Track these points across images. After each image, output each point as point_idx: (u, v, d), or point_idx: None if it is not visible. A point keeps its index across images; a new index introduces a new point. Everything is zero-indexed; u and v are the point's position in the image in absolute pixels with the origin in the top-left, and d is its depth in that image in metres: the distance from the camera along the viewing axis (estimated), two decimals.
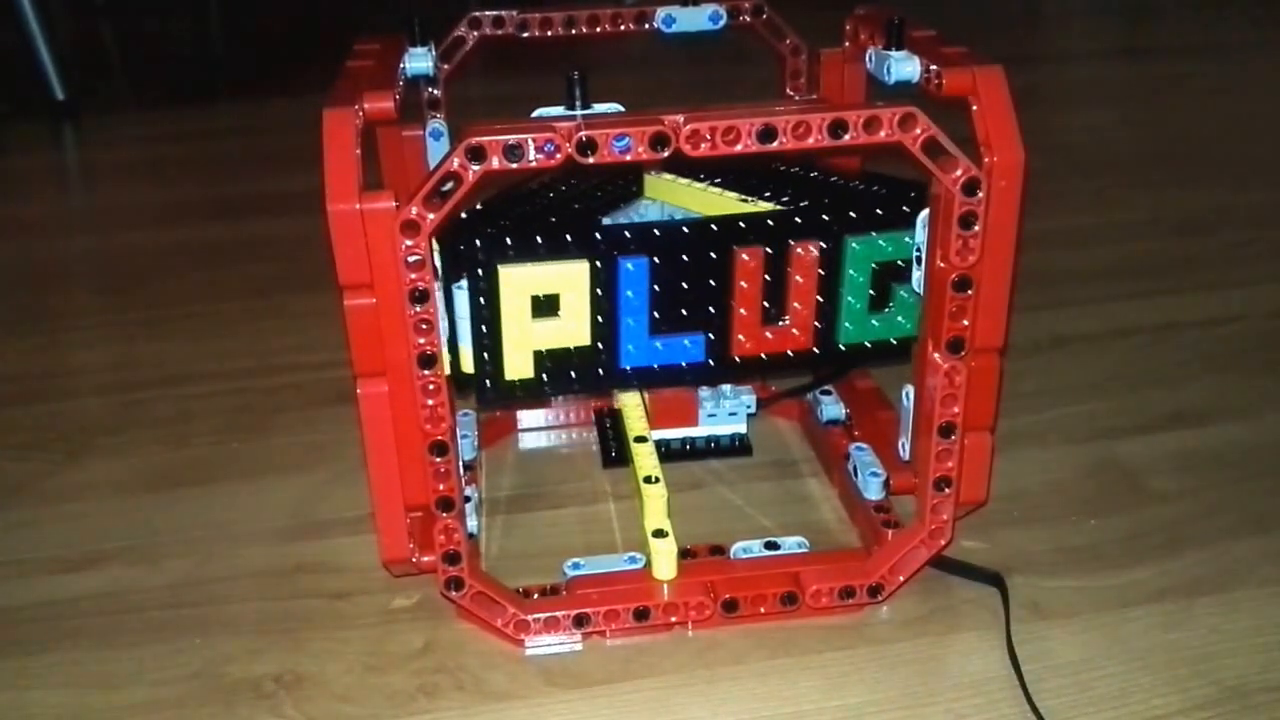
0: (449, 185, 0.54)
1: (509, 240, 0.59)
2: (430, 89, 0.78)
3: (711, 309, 0.63)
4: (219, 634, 0.66)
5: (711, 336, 0.64)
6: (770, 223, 0.63)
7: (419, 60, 0.70)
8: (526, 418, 0.84)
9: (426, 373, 0.57)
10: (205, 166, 1.49)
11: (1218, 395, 0.87)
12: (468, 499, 0.67)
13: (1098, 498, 0.76)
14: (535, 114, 0.58)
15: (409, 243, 0.54)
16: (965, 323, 0.60)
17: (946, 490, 0.64)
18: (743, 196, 0.68)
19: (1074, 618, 0.66)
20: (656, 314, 0.63)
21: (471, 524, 0.68)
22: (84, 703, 0.62)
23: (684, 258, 0.62)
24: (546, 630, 0.64)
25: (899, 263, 0.64)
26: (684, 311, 0.63)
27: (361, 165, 0.55)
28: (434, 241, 0.56)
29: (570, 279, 0.61)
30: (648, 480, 0.68)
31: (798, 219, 0.63)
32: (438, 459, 0.59)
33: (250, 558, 0.72)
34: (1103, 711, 0.59)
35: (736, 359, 0.65)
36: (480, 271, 0.59)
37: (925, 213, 0.60)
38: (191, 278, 1.14)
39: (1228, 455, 0.80)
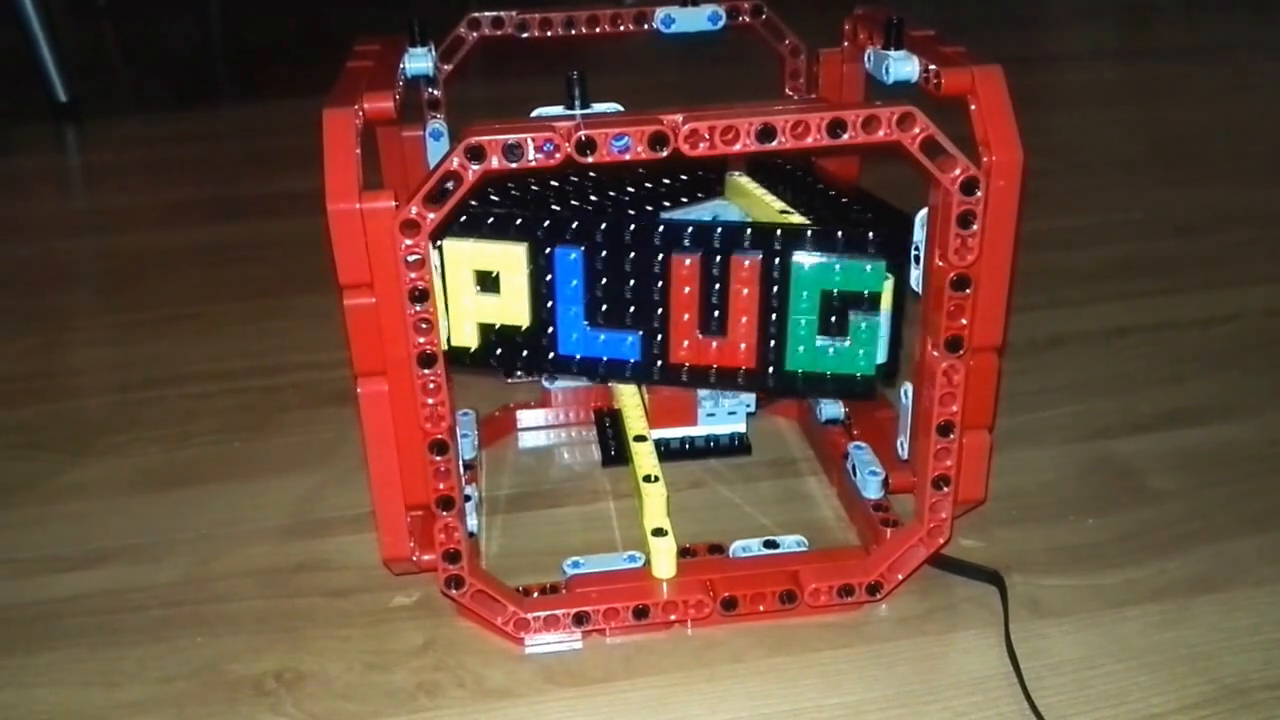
0: (449, 185, 0.54)
1: (462, 217, 0.62)
2: (430, 89, 0.78)
3: (649, 310, 0.64)
4: (220, 632, 0.66)
5: (649, 337, 0.65)
6: (717, 231, 0.62)
7: (419, 60, 0.70)
8: (526, 417, 0.85)
9: (426, 372, 0.57)
10: (206, 167, 1.49)
11: (1216, 394, 0.88)
12: (468, 498, 0.67)
13: (1096, 496, 0.76)
14: (535, 114, 0.58)
15: (409, 242, 0.54)
16: (964, 321, 0.60)
17: (945, 489, 0.64)
18: (787, 209, 0.68)
19: (1072, 616, 0.66)
20: (597, 306, 0.64)
21: (471, 523, 0.68)
22: (85, 700, 0.62)
23: (621, 255, 0.63)
24: (546, 628, 0.64)
25: (865, 294, 0.61)
26: (622, 308, 0.64)
27: (361, 165, 0.55)
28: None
29: (509, 260, 0.63)
30: (647, 479, 0.68)
31: (744, 231, 0.62)
32: (438, 458, 0.59)
33: (251, 556, 0.73)
34: (1101, 710, 0.60)
35: (674, 365, 0.65)
36: (435, 242, 0.60)
37: (924, 212, 0.61)
38: (192, 278, 1.14)
39: (1226, 454, 0.80)
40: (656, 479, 0.68)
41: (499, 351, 0.66)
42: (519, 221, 0.63)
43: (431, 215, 0.54)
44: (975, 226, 0.58)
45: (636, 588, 0.65)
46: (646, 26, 0.78)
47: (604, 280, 0.64)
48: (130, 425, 0.88)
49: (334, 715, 0.61)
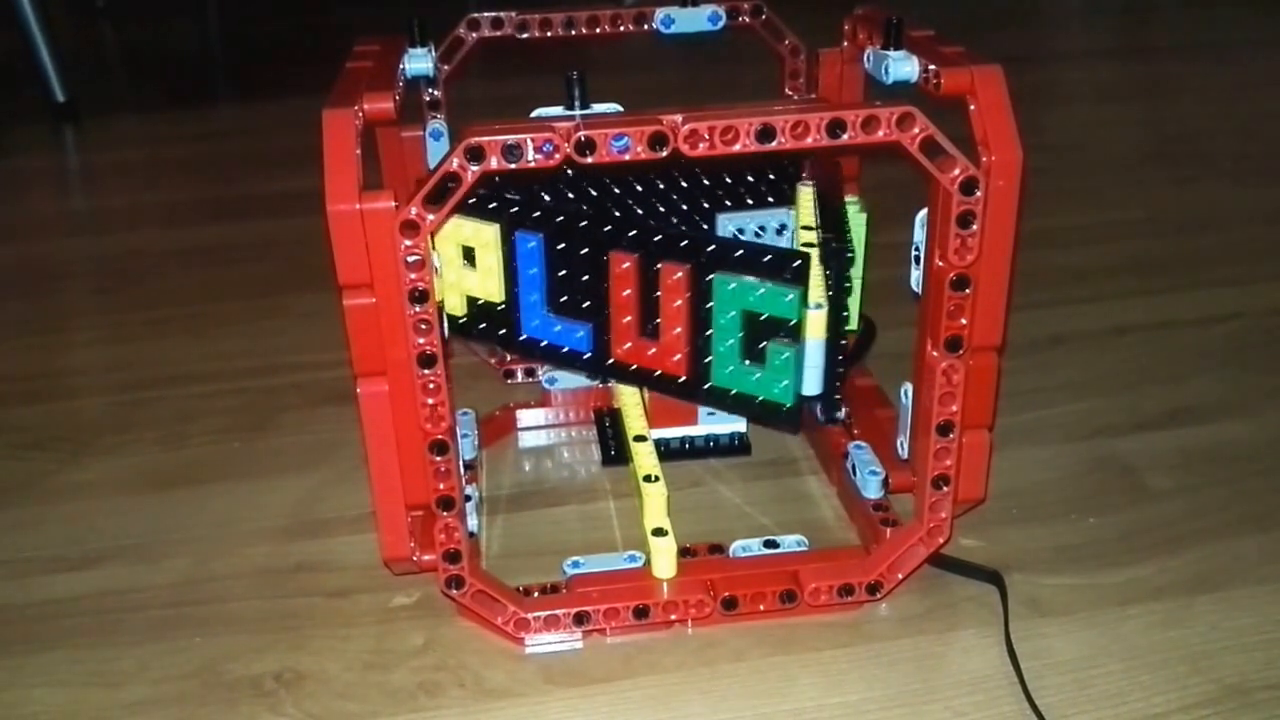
0: (449, 185, 0.54)
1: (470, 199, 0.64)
2: (430, 89, 0.78)
3: (597, 305, 0.65)
4: (220, 632, 0.66)
5: (598, 332, 0.65)
6: (655, 237, 0.63)
7: (419, 61, 0.70)
8: (526, 417, 0.85)
9: (427, 372, 0.57)
10: (205, 167, 1.49)
11: (1216, 393, 0.88)
12: (468, 498, 0.67)
13: (1096, 495, 0.76)
14: (534, 114, 0.58)
15: (408, 243, 0.54)
16: (963, 321, 0.60)
17: (945, 488, 0.64)
18: (809, 225, 0.69)
19: (1073, 615, 0.66)
20: (555, 295, 0.66)
21: (472, 523, 0.68)
22: (85, 701, 0.62)
23: (573, 246, 0.64)
24: (546, 628, 0.64)
25: (783, 321, 0.61)
26: (576, 299, 0.66)
27: (361, 166, 0.55)
28: None
29: (483, 238, 0.66)
30: (647, 479, 0.68)
31: (678, 240, 0.62)
32: (438, 458, 0.59)
33: (251, 556, 0.73)
34: (1102, 709, 0.60)
35: (618, 364, 0.66)
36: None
37: (924, 212, 0.61)
38: (191, 278, 1.14)
39: (1226, 452, 0.80)
40: (657, 479, 0.68)
41: (482, 326, 0.69)
42: (492, 204, 0.66)
43: (431, 216, 0.54)
44: (975, 226, 0.58)
45: (637, 587, 0.65)
46: (646, 27, 0.78)
47: (560, 270, 0.66)
48: (129, 425, 0.88)
49: (334, 715, 0.61)
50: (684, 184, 0.72)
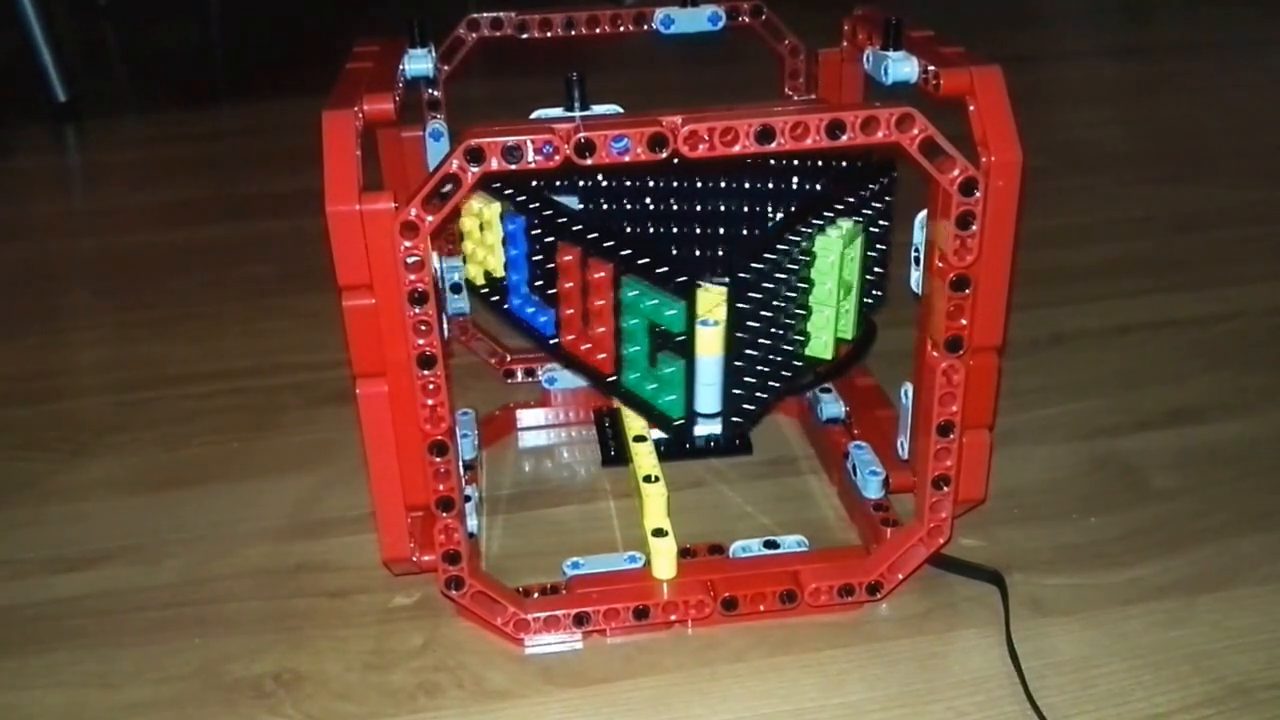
0: (448, 187, 0.54)
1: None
2: (430, 90, 0.78)
3: (553, 293, 0.66)
4: (219, 633, 0.66)
5: (556, 318, 0.67)
6: (590, 235, 0.63)
7: (419, 61, 0.70)
8: (526, 417, 0.85)
9: (426, 373, 0.57)
10: (206, 168, 1.49)
11: (1217, 392, 0.87)
12: (468, 498, 0.67)
13: (1097, 495, 0.76)
14: (534, 115, 0.58)
15: (408, 244, 0.54)
16: (963, 322, 0.60)
17: (945, 488, 0.64)
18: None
19: (1074, 615, 0.66)
20: (533, 277, 0.68)
21: (471, 523, 0.68)
22: (84, 702, 0.62)
23: (541, 232, 0.66)
24: (546, 629, 0.64)
25: (671, 334, 0.60)
26: (544, 285, 0.67)
27: (361, 166, 0.55)
28: None
29: (489, 215, 0.69)
30: (647, 479, 0.68)
31: (603, 240, 0.62)
32: (437, 459, 0.59)
33: (250, 557, 0.73)
34: (1104, 709, 0.59)
35: (569, 352, 0.67)
36: None
37: (924, 213, 0.61)
38: (192, 278, 1.14)
39: (1228, 452, 0.80)
40: (657, 479, 0.68)
41: (494, 297, 0.72)
42: (495, 184, 0.69)
43: (430, 217, 0.54)
44: (974, 227, 0.57)
45: (637, 588, 0.65)
46: (646, 27, 0.78)
47: (533, 254, 0.67)
48: (129, 426, 0.88)
49: (333, 716, 0.61)
50: (779, 185, 0.72)
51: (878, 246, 0.70)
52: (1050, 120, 1.52)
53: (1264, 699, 0.60)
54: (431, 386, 0.58)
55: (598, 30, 0.78)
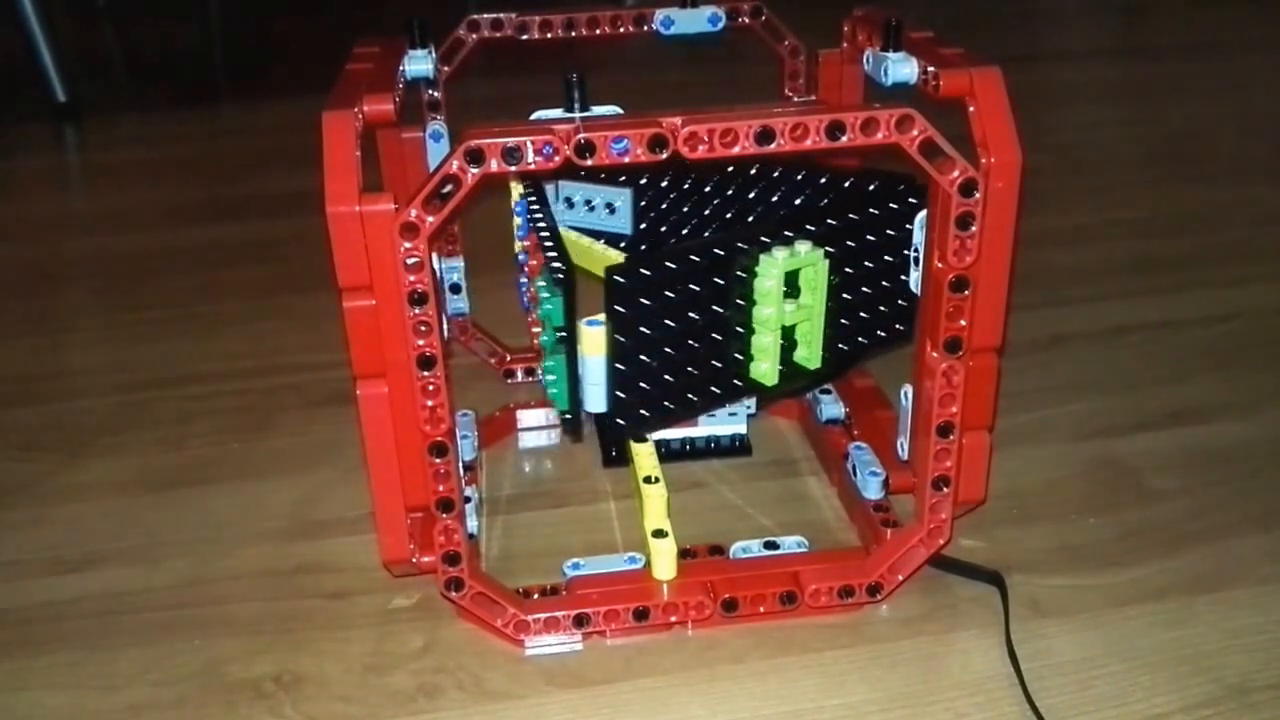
0: (448, 188, 0.54)
1: None
2: (430, 91, 0.78)
3: None
4: (219, 634, 0.66)
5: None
6: (541, 222, 0.67)
7: (419, 62, 0.70)
8: (526, 417, 0.85)
9: (426, 374, 0.57)
10: (206, 168, 1.49)
11: (1217, 392, 0.87)
12: (468, 499, 0.67)
13: (1097, 496, 0.76)
14: (534, 116, 0.58)
15: (408, 245, 0.54)
16: (963, 323, 0.60)
17: (945, 489, 0.64)
18: None
19: (1074, 616, 0.66)
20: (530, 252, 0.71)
21: (471, 524, 0.68)
22: (83, 703, 0.62)
23: (528, 211, 0.71)
24: (546, 630, 0.64)
25: (556, 329, 0.63)
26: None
27: (361, 167, 0.55)
28: None
29: (517, 192, 0.74)
30: (647, 480, 0.68)
31: (549, 229, 0.65)
32: (437, 460, 0.59)
33: (250, 558, 0.73)
34: (1103, 710, 0.59)
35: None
36: None
37: (923, 213, 0.61)
38: (192, 278, 1.14)
39: (1227, 452, 0.80)
40: (657, 480, 0.68)
41: None
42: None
43: (431, 218, 0.54)
44: (974, 228, 0.57)
45: (637, 589, 0.65)
46: (646, 28, 0.78)
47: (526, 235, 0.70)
48: (129, 426, 0.88)
49: (333, 717, 0.61)
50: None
51: (878, 282, 0.69)
52: (1050, 120, 1.52)
53: (1263, 699, 0.60)
54: (431, 387, 0.58)
55: (598, 31, 0.78)
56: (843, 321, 0.69)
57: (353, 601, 0.69)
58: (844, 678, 0.62)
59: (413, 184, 0.73)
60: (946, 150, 0.56)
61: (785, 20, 0.80)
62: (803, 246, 0.64)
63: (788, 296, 0.65)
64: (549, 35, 0.78)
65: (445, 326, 0.61)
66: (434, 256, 0.57)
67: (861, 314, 0.70)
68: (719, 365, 0.65)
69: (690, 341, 0.63)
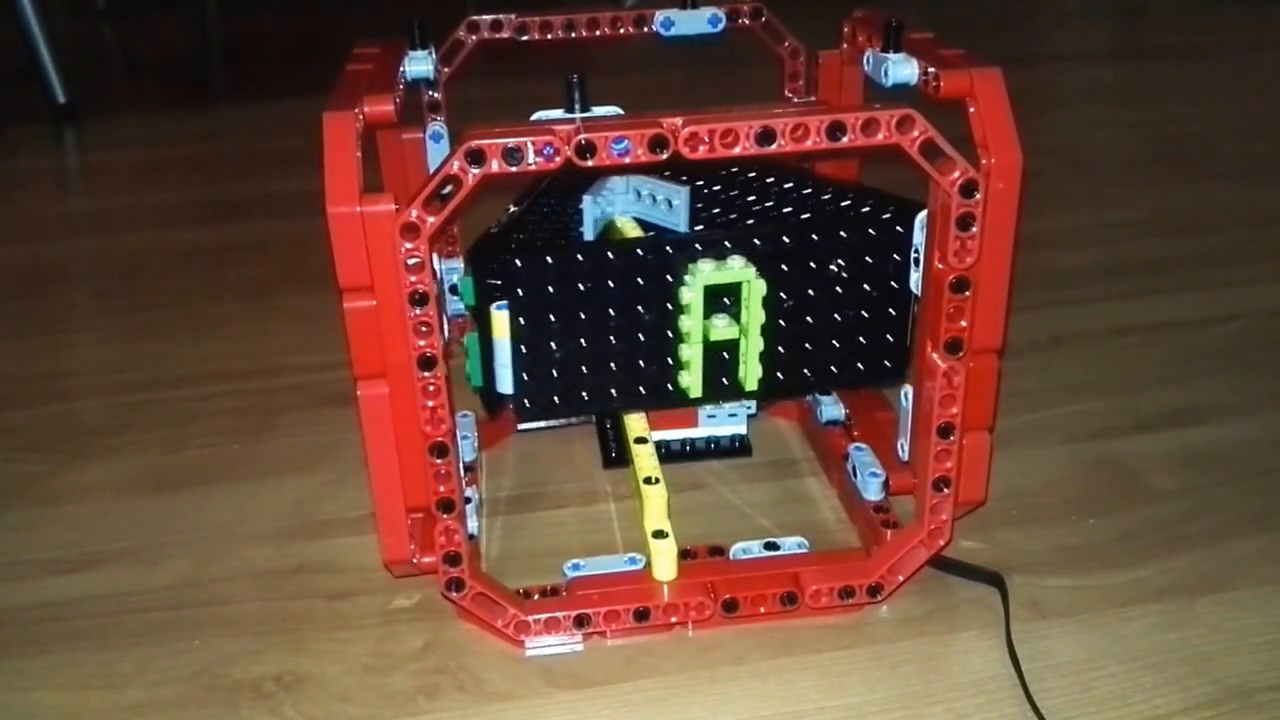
0: (449, 188, 0.54)
1: None
2: (430, 92, 0.78)
3: None
4: (219, 635, 0.66)
5: None
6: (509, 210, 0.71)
7: (419, 63, 0.70)
8: None
9: (427, 375, 0.57)
10: (205, 168, 1.49)
11: (1217, 393, 0.87)
12: (468, 500, 0.67)
13: (1097, 497, 0.76)
14: (534, 117, 0.58)
15: (409, 245, 0.54)
16: (963, 324, 0.60)
17: (945, 490, 0.64)
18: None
19: (1074, 617, 0.66)
20: None
21: (472, 525, 0.68)
22: (84, 703, 0.62)
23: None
24: (547, 631, 0.64)
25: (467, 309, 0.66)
26: None
27: (361, 168, 0.55)
28: None
29: None
30: (648, 481, 0.68)
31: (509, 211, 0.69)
32: (438, 461, 0.59)
33: (250, 558, 0.73)
34: (1104, 711, 0.59)
35: None
36: None
37: (923, 214, 0.61)
38: (192, 278, 1.14)
39: (1227, 453, 0.80)
40: (657, 481, 0.68)
41: None
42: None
43: (431, 219, 0.54)
44: (974, 229, 0.57)
45: (637, 590, 0.65)
46: (646, 29, 0.78)
47: None
48: (128, 427, 0.88)
49: (333, 718, 0.61)
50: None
51: (844, 312, 0.65)
52: (1050, 121, 1.52)
53: (1263, 700, 0.60)
54: (432, 388, 0.58)
55: (598, 32, 0.78)
56: (782, 350, 0.66)
57: (353, 602, 0.69)
58: (844, 678, 0.62)
59: (413, 185, 0.74)
60: (947, 151, 0.56)
61: (785, 21, 0.80)
62: (735, 262, 0.62)
63: (723, 312, 0.63)
64: (549, 36, 0.78)
65: (445, 327, 0.61)
66: (434, 257, 0.57)
67: (808, 346, 0.66)
68: (645, 367, 0.65)
69: (610, 338, 0.63)
